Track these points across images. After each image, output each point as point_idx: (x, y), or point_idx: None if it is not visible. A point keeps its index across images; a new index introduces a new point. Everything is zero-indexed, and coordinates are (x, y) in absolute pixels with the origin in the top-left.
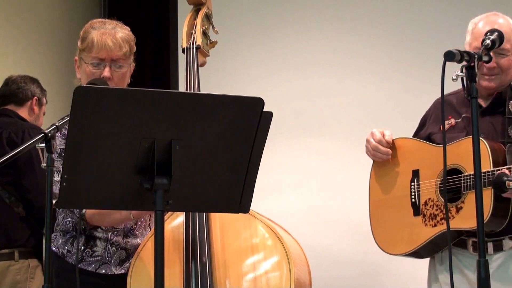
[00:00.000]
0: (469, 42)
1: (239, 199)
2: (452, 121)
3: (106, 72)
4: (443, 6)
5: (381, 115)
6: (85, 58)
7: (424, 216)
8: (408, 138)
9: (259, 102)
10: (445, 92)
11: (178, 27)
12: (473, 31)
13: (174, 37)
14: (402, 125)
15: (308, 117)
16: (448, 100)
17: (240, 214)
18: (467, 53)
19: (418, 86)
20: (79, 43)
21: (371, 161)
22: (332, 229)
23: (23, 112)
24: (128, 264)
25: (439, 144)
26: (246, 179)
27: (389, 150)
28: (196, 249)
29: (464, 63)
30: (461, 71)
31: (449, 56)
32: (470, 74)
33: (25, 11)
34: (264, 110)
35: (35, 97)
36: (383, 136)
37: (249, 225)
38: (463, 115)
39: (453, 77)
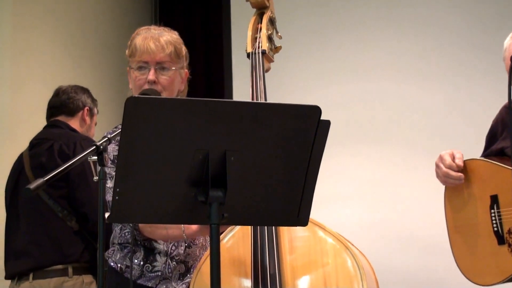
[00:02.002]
0: None
1: (297, 212)
2: None
3: (151, 75)
4: None
5: (442, 122)
6: (131, 64)
7: (510, 245)
8: (480, 159)
9: (316, 110)
10: None
11: (232, 32)
12: None
13: (228, 42)
14: (465, 133)
15: (366, 124)
16: None
17: (309, 227)
18: None
19: (482, 91)
20: (127, 51)
21: (432, 172)
22: (391, 243)
23: (74, 123)
24: (189, 279)
25: None
26: (304, 190)
27: (461, 175)
28: (265, 263)
29: None
30: None
31: None
32: None
33: (74, 20)
34: (321, 118)
35: (86, 107)
36: (453, 159)
37: (319, 238)
38: None
39: None
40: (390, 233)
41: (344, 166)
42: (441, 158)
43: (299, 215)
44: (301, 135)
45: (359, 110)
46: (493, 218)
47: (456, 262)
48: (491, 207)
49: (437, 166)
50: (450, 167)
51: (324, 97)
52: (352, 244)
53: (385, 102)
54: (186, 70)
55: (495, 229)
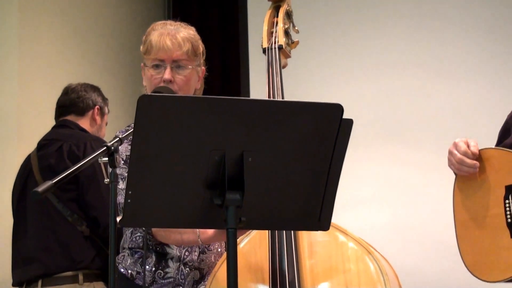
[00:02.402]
0: None
1: (318, 215)
2: None
3: (167, 74)
4: None
5: (470, 122)
6: (146, 62)
7: None
8: (496, 148)
9: (338, 108)
10: None
11: (249, 27)
12: None
13: (244, 37)
14: (495, 134)
15: (390, 123)
16: None
17: (330, 231)
18: None
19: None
20: (141, 47)
21: None
22: (417, 247)
23: (84, 122)
24: (203, 286)
25: None
26: (326, 193)
27: (476, 162)
28: (284, 269)
29: None
30: None
31: None
32: None
33: (84, 16)
34: (343, 117)
35: (97, 107)
36: (468, 146)
37: (341, 243)
38: None
39: None
40: (414, 238)
41: (367, 167)
42: (455, 145)
43: (320, 218)
44: (322, 134)
45: (383, 109)
46: (508, 209)
47: (461, 258)
48: (506, 198)
49: (450, 153)
50: (465, 154)
51: (345, 95)
52: (375, 249)
53: (410, 100)
54: (203, 67)
55: (509, 220)
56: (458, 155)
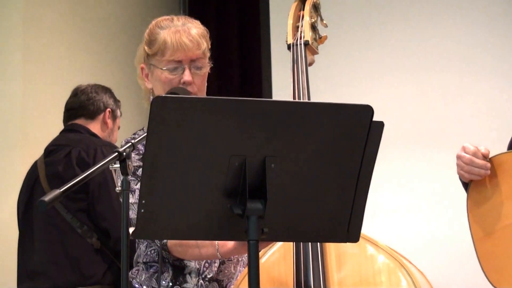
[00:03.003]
0: None
1: (346, 226)
2: None
3: (187, 76)
4: None
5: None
6: (157, 63)
7: None
8: (509, 152)
9: (368, 110)
10: None
11: (271, 20)
12: None
13: (266, 32)
14: None
15: (426, 125)
16: None
17: (359, 242)
18: None
19: None
20: (146, 48)
21: None
22: (453, 260)
23: (94, 126)
24: None
25: None
26: (355, 201)
27: (487, 162)
28: (309, 284)
29: None
30: None
31: None
32: None
33: (93, 13)
34: (373, 119)
35: (108, 109)
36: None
37: (371, 255)
38: None
39: None
40: (452, 249)
41: (400, 173)
42: (463, 148)
43: (349, 229)
44: (351, 138)
45: (417, 110)
46: None
47: (486, 277)
48: None
49: (458, 157)
50: (474, 154)
51: (377, 95)
52: (409, 261)
53: (448, 101)
54: (210, 63)
55: None
56: (467, 156)
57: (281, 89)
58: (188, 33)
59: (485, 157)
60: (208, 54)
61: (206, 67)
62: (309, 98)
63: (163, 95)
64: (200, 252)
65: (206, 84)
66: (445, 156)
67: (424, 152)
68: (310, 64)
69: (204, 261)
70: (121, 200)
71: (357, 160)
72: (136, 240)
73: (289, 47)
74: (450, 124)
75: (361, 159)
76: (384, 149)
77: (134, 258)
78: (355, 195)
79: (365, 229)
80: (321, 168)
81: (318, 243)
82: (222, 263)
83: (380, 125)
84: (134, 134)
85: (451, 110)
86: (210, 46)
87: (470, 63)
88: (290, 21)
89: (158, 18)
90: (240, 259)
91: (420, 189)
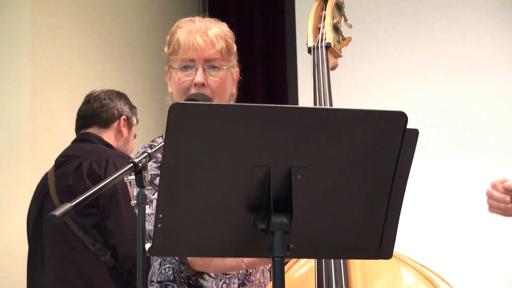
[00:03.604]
0: None
1: (378, 241)
2: None
3: (199, 77)
4: None
5: None
6: (173, 63)
7: None
8: None
9: (402, 117)
10: None
11: (297, 21)
12: None
13: (291, 33)
14: None
15: (464, 133)
16: None
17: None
18: None
19: None
20: (165, 48)
21: None
22: (494, 278)
23: (108, 136)
24: None
25: None
26: (388, 215)
27: (506, 196)
28: None
29: None
30: None
31: None
32: None
33: (107, 15)
34: (407, 127)
35: (123, 117)
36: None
37: (400, 274)
38: None
39: None
40: (494, 267)
41: (436, 184)
42: (490, 183)
43: (381, 245)
44: (384, 147)
45: (454, 116)
46: None
47: None
48: None
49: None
50: (494, 187)
51: (409, 101)
52: (443, 280)
53: (488, 106)
54: (237, 69)
55: None
56: (488, 189)
57: (308, 95)
58: (204, 32)
59: (507, 190)
60: (232, 58)
61: (225, 71)
62: (331, 105)
63: (181, 102)
64: (224, 262)
65: (227, 90)
66: (483, 165)
67: (460, 161)
68: (333, 68)
69: (222, 281)
70: (135, 213)
71: (390, 171)
72: (151, 256)
73: (309, 50)
74: (489, 131)
75: (394, 169)
76: (418, 158)
77: (149, 276)
78: (388, 207)
79: (396, 245)
80: (351, 179)
81: (342, 261)
82: (242, 284)
83: (415, 133)
84: (152, 141)
85: (491, 116)
86: (235, 50)
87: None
88: (310, 22)
89: (182, 19)
90: (263, 281)
91: (458, 201)
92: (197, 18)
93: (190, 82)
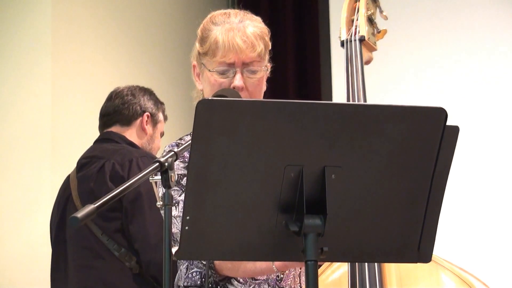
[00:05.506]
0: None
1: (417, 244)
2: None
3: (237, 81)
4: None
5: None
6: (207, 64)
7: None
8: None
9: (441, 113)
10: None
11: (331, 14)
12: None
13: (325, 26)
14: None
15: (506, 130)
16: None
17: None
18: None
19: None
20: (197, 44)
21: None
22: None
23: (131, 134)
24: None
25: None
26: (426, 216)
27: None
28: None
29: None
30: None
31: None
32: None
33: (131, 11)
34: (447, 123)
35: (147, 113)
36: None
37: (438, 277)
38: None
39: None
40: None
41: (478, 183)
42: None
43: (420, 248)
44: (422, 145)
45: (496, 112)
46: None
47: None
48: None
49: None
50: None
51: (448, 97)
52: (485, 284)
53: None
54: (269, 64)
55: None
56: None
57: (342, 91)
58: (243, 32)
59: None
60: (267, 57)
61: (262, 71)
62: (364, 101)
63: (209, 98)
64: (254, 266)
65: (263, 89)
66: None
67: (505, 159)
68: (367, 62)
69: (251, 287)
70: (160, 216)
71: (429, 169)
72: (177, 260)
73: (342, 44)
74: None
75: (433, 168)
76: (459, 156)
77: (175, 281)
78: (427, 208)
79: (435, 248)
80: (388, 179)
81: (376, 265)
82: None
83: (455, 130)
84: (180, 139)
85: None
86: (270, 47)
87: None
88: (343, 15)
89: (215, 12)
90: (293, 287)
91: (500, 201)
92: (231, 11)
93: (228, 85)
